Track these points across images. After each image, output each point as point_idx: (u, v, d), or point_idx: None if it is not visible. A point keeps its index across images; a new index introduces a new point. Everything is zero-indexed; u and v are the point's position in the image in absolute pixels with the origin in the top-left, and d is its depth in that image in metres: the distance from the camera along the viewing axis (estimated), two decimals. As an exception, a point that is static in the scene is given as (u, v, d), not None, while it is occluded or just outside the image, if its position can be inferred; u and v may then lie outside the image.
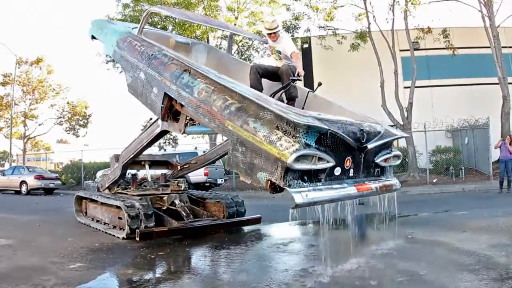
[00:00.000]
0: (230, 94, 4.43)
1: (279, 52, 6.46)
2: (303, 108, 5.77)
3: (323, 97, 6.07)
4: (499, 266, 4.35)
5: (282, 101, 6.04)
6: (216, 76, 4.80)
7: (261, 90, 6.17)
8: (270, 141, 3.77)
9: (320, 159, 3.84)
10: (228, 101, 4.39)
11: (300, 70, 5.97)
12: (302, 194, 3.75)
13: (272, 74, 6.40)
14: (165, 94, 5.48)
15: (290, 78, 5.90)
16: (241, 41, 22.22)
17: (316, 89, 6.00)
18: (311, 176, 3.93)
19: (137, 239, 6.27)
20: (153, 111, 5.96)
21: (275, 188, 3.85)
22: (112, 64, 23.53)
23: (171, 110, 5.73)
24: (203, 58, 7.65)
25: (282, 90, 6.03)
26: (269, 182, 3.84)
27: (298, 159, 3.64)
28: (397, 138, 5.27)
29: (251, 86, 6.17)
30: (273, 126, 3.87)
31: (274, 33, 6.32)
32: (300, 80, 5.99)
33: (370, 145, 4.47)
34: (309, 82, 16.54)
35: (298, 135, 3.74)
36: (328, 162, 3.93)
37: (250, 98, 4.18)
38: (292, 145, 3.67)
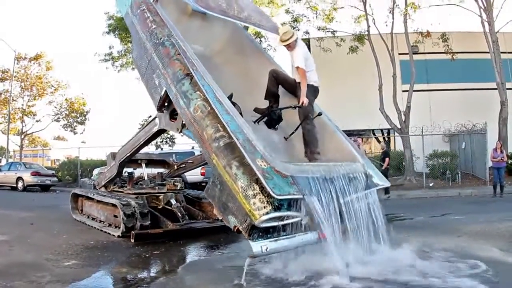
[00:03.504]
0: (223, 124, 4.34)
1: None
2: (297, 128, 5.73)
3: (321, 116, 5.84)
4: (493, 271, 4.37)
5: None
6: (214, 99, 4.57)
7: (277, 93, 6.06)
8: (246, 195, 3.90)
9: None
10: (220, 132, 4.36)
11: (303, 98, 5.51)
12: (262, 247, 3.96)
13: (288, 84, 6.07)
14: (165, 90, 5.39)
15: (293, 105, 5.77)
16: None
17: (313, 118, 5.70)
18: (277, 229, 4.10)
19: (132, 241, 6.28)
20: (150, 96, 5.89)
21: (240, 232, 4.05)
22: (111, 63, 23.46)
23: (169, 105, 5.66)
24: (218, 29, 7.17)
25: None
26: (236, 228, 4.03)
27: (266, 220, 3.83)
28: (376, 189, 5.18)
29: (267, 89, 6.05)
30: (252, 179, 3.96)
31: (289, 44, 5.80)
32: (301, 107, 5.61)
33: (345, 199, 4.54)
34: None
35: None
36: (296, 217, 4.10)
37: (237, 146, 4.10)
38: (264, 207, 3.82)
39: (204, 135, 4.48)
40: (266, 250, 3.98)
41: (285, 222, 4.04)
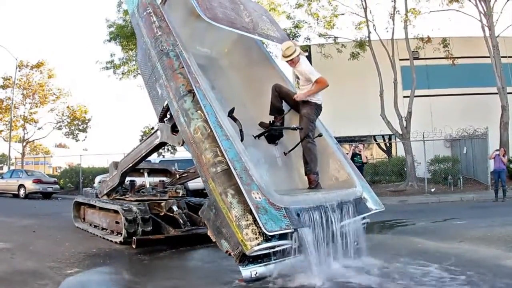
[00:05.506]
0: (222, 149, 4.32)
1: (298, 78, 6.01)
2: (297, 145, 5.73)
3: (322, 136, 5.80)
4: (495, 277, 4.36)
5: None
6: (215, 122, 4.52)
7: (281, 108, 6.07)
8: (239, 224, 3.97)
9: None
10: (218, 157, 4.35)
11: (302, 95, 5.62)
12: (252, 272, 4.08)
13: (290, 99, 5.98)
14: (167, 103, 5.32)
15: (293, 126, 5.78)
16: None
17: (314, 138, 5.65)
18: (267, 255, 4.19)
19: (134, 246, 6.28)
20: (153, 105, 5.84)
21: (232, 256, 4.16)
22: (113, 71, 23.51)
23: (171, 118, 5.59)
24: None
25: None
26: (228, 252, 4.14)
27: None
28: (369, 214, 5.23)
29: (271, 104, 6.05)
30: (247, 208, 4.00)
31: (292, 60, 5.71)
32: (302, 129, 5.60)
33: (336, 226, 4.58)
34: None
35: None
36: (287, 245, 4.16)
37: (234, 176, 4.12)
38: (256, 238, 3.90)
39: (202, 158, 4.48)
40: (255, 275, 4.10)
41: (276, 249, 4.14)
